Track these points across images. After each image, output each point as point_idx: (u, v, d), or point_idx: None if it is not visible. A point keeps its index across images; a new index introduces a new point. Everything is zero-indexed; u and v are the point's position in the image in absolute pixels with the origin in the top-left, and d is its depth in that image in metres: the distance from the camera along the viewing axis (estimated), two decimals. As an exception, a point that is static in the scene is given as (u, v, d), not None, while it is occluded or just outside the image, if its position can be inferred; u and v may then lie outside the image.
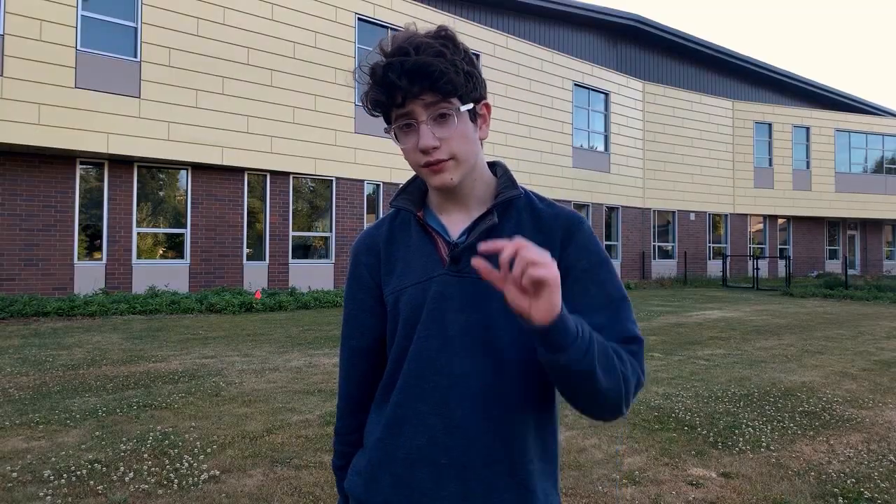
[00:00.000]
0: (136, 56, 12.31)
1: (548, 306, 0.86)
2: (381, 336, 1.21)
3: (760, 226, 26.94)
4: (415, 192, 1.21)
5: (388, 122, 1.10)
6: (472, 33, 18.15)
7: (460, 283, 1.09)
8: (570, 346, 0.90)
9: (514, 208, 1.15)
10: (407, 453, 1.08)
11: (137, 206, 12.80)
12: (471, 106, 1.09)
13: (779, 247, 27.18)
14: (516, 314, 0.88)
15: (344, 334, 1.25)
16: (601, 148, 22.19)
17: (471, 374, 1.06)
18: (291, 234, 14.76)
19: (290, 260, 14.73)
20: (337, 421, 1.29)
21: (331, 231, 15.41)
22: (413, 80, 1.02)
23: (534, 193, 1.20)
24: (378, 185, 16.05)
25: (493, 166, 1.21)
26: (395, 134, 1.09)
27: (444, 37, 1.06)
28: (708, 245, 25.22)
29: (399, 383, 1.11)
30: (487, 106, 1.14)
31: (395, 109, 1.06)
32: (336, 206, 15.42)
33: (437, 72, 1.02)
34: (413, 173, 1.19)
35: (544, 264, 0.83)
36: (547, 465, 1.11)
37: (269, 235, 14.40)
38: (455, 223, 1.15)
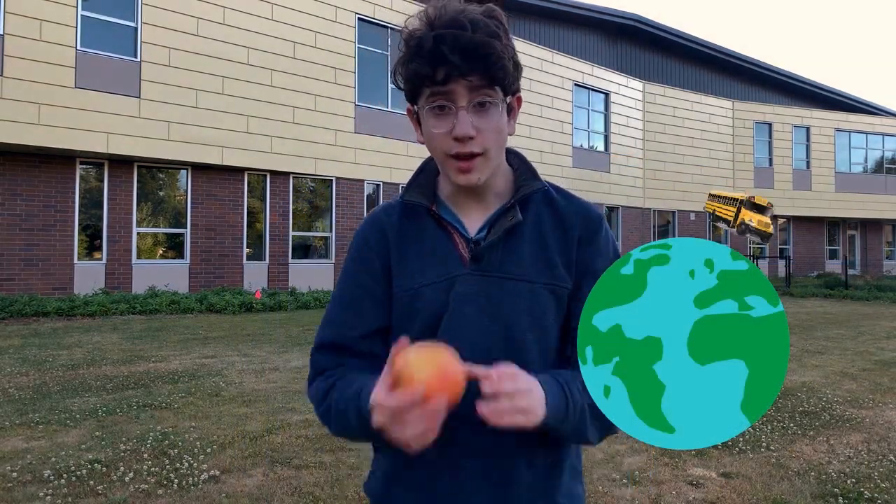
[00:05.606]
0: (136, 56, 12.30)
1: (530, 419, 0.89)
2: (372, 331, 1.06)
3: (760, 226, 26.94)
4: (425, 182, 1.09)
5: (413, 100, 1.01)
6: (472, 33, 18.13)
7: (482, 284, 1.02)
8: (560, 426, 0.96)
9: (532, 202, 1.08)
10: (434, 457, 0.99)
11: (137, 205, 12.80)
12: (510, 98, 1.01)
13: (779, 247, 27.16)
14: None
15: (334, 321, 1.07)
16: (601, 148, 22.19)
17: None
18: (291, 234, 14.76)
19: (290, 260, 14.73)
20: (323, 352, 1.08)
21: (331, 231, 15.41)
22: (466, 58, 0.92)
23: (551, 185, 1.13)
24: (378, 185, 16.05)
25: (509, 155, 1.12)
26: (423, 114, 0.99)
27: (496, 18, 0.97)
28: (708, 245, 25.19)
29: None
30: (520, 99, 1.06)
31: (430, 87, 0.96)
32: (336, 206, 15.41)
33: (494, 55, 0.94)
34: (420, 162, 1.12)
35: (525, 410, 0.88)
36: (550, 453, 1.09)
37: (269, 235, 14.40)
38: (472, 218, 1.06)
